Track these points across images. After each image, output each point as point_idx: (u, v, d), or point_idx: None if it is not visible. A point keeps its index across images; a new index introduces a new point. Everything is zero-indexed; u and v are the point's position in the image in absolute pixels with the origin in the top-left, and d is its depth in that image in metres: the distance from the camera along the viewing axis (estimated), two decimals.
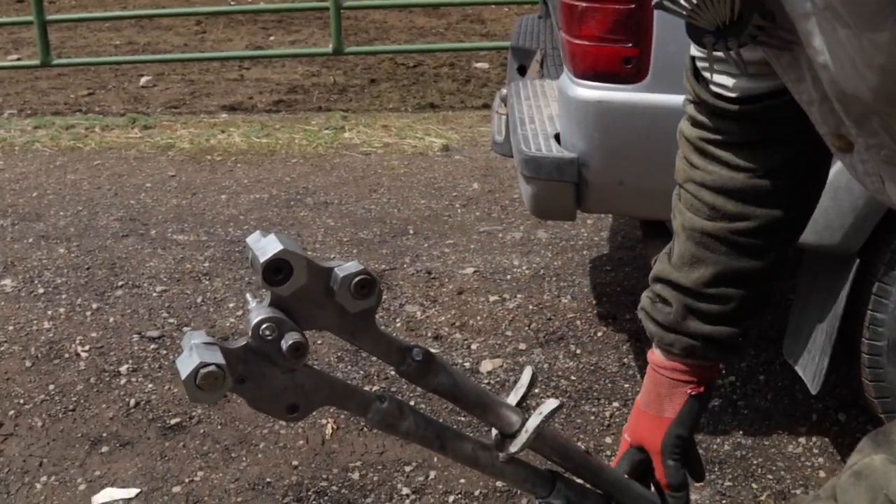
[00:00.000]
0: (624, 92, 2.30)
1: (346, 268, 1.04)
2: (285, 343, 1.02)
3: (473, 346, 3.14)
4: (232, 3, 9.34)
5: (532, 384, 1.21)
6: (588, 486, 1.30)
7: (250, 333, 1.02)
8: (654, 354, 1.38)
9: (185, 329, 3.28)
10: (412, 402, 2.83)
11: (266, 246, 1.01)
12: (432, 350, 1.14)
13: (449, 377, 1.14)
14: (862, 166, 0.95)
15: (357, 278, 1.03)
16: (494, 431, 1.22)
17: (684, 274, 1.30)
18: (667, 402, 1.35)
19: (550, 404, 1.17)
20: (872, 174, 0.95)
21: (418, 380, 1.13)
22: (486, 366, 3.03)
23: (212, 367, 0.98)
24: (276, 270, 1.00)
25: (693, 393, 1.34)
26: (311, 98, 6.45)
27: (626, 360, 3.02)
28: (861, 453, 0.63)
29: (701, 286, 1.29)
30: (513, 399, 1.20)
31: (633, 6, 2.24)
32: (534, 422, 1.17)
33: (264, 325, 1.02)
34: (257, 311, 1.03)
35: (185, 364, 0.99)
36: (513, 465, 1.21)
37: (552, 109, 2.65)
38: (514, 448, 1.19)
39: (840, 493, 0.59)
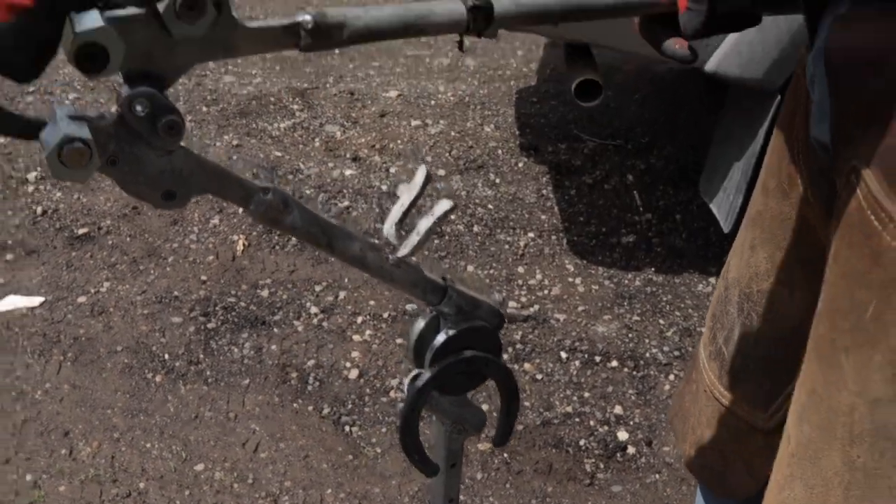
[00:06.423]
0: None
1: None
2: (159, 121, 0.95)
3: (392, 170, 3.09)
4: None
5: (426, 183, 1.16)
6: (479, 296, 1.28)
7: (121, 110, 0.95)
8: None
9: None
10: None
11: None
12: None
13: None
14: None
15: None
16: (386, 231, 1.18)
17: None
18: None
19: (443, 205, 1.12)
20: None
21: None
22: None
23: (77, 144, 0.91)
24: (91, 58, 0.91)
25: None
26: None
27: (544, 192, 2.99)
28: None
29: None
30: (406, 198, 1.16)
31: None
32: (425, 223, 1.13)
33: (135, 101, 0.95)
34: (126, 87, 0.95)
35: (50, 137, 0.92)
36: (403, 268, 1.17)
37: None
38: (404, 251, 1.15)
39: None
